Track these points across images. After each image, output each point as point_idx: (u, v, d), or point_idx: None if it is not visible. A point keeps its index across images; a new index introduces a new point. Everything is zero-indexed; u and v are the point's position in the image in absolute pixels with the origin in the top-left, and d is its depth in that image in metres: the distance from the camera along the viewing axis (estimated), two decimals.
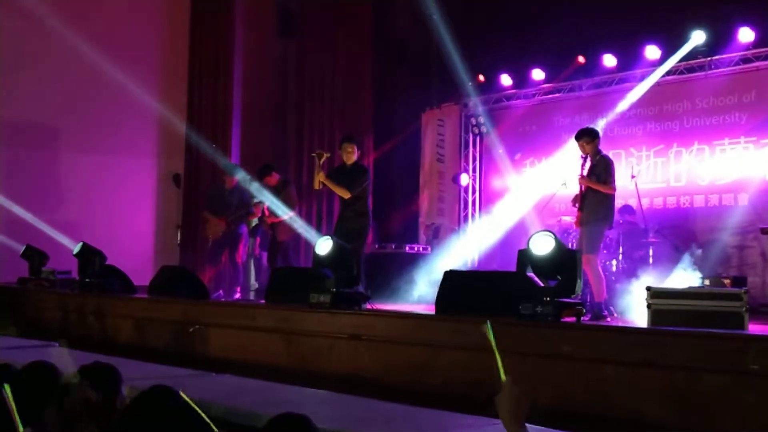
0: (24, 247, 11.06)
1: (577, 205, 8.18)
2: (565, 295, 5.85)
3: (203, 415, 2.40)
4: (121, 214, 13.64)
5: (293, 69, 14.88)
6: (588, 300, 7.92)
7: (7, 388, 2.65)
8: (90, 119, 13.33)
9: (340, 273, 7.09)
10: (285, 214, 10.03)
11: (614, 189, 8.04)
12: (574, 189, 8.31)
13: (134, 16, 13.61)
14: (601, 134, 8.47)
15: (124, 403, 3.31)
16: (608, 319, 7.63)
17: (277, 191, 10.21)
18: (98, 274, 9.78)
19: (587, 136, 8.26)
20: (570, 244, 9.72)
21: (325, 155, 8.80)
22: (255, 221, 10.95)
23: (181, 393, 2.50)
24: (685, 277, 9.09)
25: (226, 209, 10.60)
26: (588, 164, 8.18)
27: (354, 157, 8.74)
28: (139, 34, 13.47)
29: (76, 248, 10.12)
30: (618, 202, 9.72)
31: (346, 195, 8.59)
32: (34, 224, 12.52)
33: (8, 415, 2.67)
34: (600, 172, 8.06)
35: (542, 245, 5.93)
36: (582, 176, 8.16)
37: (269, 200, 10.09)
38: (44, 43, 12.89)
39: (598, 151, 8.22)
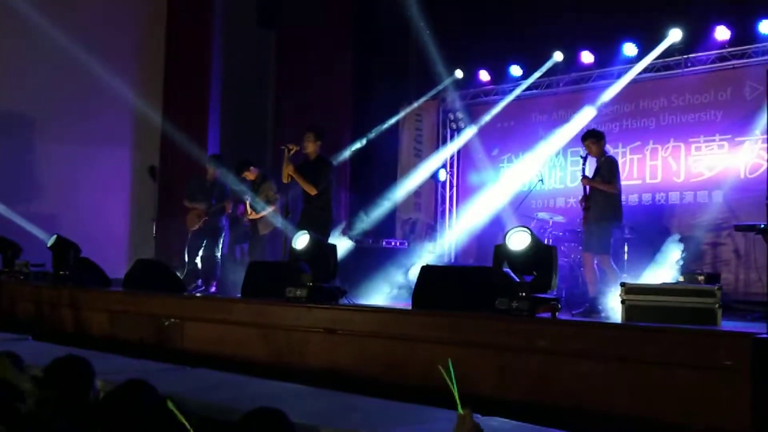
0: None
1: (584, 204, 8.30)
2: (541, 290, 5.88)
3: (183, 419, 2.38)
4: (96, 206, 13.53)
5: (271, 61, 14.82)
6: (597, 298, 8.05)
7: None
8: (65, 110, 13.20)
9: (317, 267, 7.08)
10: (264, 209, 10.00)
11: (618, 189, 8.20)
12: (550, 185, 8.43)
13: (111, 6, 13.49)
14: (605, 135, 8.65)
15: (97, 397, 3.29)
16: (602, 316, 7.75)
17: (256, 186, 10.17)
18: (73, 266, 9.69)
19: (593, 137, 8.46)
20: (546, 240, 9.78)
21: (294, 148, 8.74)
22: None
23: (169, 402, 2.47)
24: (659, 273, 9.18)
25: (206, 201, 10.56)
26: (588, 164, 8.33)
27: (313, 147, 8.72)
28: (115, 24, 13.34)
29: (50, 240, 10.02)
30: None
31: (312, 191, 8.60)
32: (6, 215, 12.39)
33: None
34: (604, 172, 8.23)
35: (518, 241, 5.95)
36: (584, 177, 8.29)
37: (250, 196, 10.07)
38: (19, 33, 12.75)
39: (604, 152, 8.42)
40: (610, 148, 8.62)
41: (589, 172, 8.55)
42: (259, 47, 14.88)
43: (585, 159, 8.45)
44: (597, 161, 8.41)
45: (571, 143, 11.46)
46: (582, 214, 8.56)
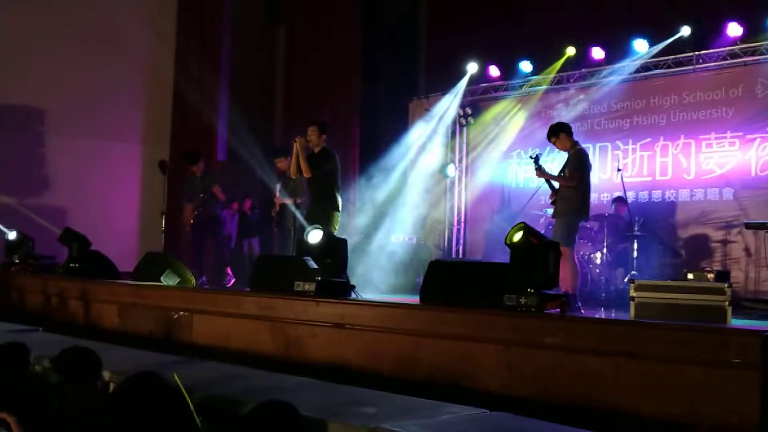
0: (12, 232, 10.96)
1: (552, 199, 8.21)
2: (547, 286, 5.87)
3: (188, 400, 2.40)
4: (106, 199, 13.59)
5: (281, 56, 14.83)
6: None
7: None
8: (76, 104, 13.24)
9: (326, 262, 7.09)
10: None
11: (576, 181, 7.96)
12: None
13: (122, 1, 13.52)
14: (570, 126, 8.41)
15: (104, 387, 3.30)
16: (582, 312, 7.67)
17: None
18: (82, 259, 9.74)
19: (553, 135, 8.25)
20: None
21: (302, 141, 8.74)
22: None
23: (175, 376, 2.49)
24: (668, 270, 9.15)
25: (196, 196, 10.64)
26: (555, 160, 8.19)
27: (316, 140, 8.73)
28: (126, 20, 13.36)
29: (61, 233, 10.07)
30: (604, 196, 9.75)
31: (307, 174, 8.61)
32: (18, 208, 12.45)
33: None
34: (571, 165, 8.05)
35: (515, 236, 5.96)
36: (539, 169, 8.13)
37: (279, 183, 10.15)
38: (31, 28, 12.80)
39: (573, 144, 8.19)
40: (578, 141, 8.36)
41: (559, 166, 8.42)
42: (268, 44, 14.90)
43: (536, 159, 8.26)
44: (568, 154, 8.24)
45: (581, 139, 11.36)
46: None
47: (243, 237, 11.99)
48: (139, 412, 2.55)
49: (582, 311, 7.46)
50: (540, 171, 8.15)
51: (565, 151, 8.24)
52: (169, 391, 2.55)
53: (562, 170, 8.18)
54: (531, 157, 8.36)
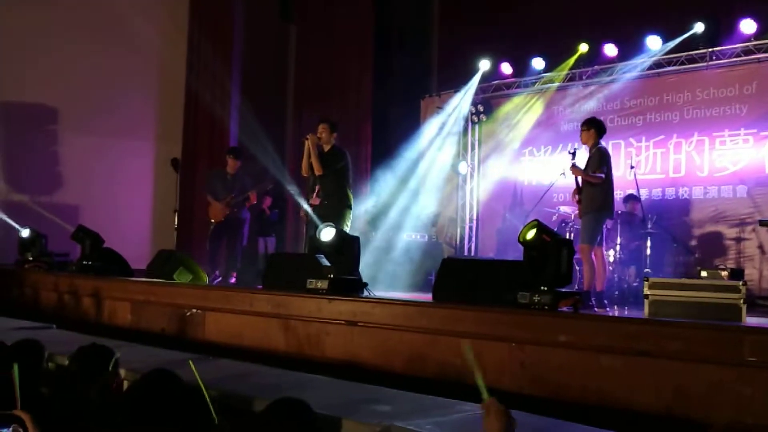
0: (26, 229, 11.01)
1: (576, 198, 8.23)
2: (560, 284, 5.85)
3: (205, 393, 2.40)
4: (119, 197, 13.63)
5: (293, 54, 14.85)
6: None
7: (15, 368, 2.65)
8: (89, 102, 13.29)
9: (339, 259, 7.09)
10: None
11: (602, 178, 8.00)
12: (572, 179, 8.34)
13: (134, 0, 13.56)
14: (603, 126, 8.48)
15: (120, 385, 3.31)
16: (595, 310, 7.66)
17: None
18: (95, 256, 9.77)
19: (586, 126, 8.31)
20: (568, 234, 9.74)
21: (314, 138, 8.74)
22: None
23: (190, 363, 2.49)
24: (682, 268, 9.10)
25: (227, 194, 10.63)
26: (577, 158, 8.22)
27: (326, 137, 8.71)
28: (138, 18, 13.39)
29: (74, 231, 10.11)
30: (617, 193, 9.73)
31: (319, 172, 8.61)
32: (31, 206, 12.50)
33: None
34: (593, 162, 8.11)
35: (528, 234, 5.95)
36: (573, 166, 8.18)
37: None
38: (43, 24, 12.84)
39: (596, 143, 8.24)
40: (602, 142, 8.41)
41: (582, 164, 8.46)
42: (280, 42, 14.91)
43: (573, 154, 8.32)
44: (588, 151, 8.29)
45: None
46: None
47: (260, 235, 12.00)
48: (155, 410, 2.55)
49: (595, 309, 7.46)
50: (574, 168, 8.18)
51: (586, 145, 8.29)
52: (184, 389, 2.56)
53: (584, 168, 8.21)
54: (570, 152, 8.38)
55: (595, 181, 8.05)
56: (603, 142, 8.34)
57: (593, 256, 8.09)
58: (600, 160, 8.09)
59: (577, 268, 8.54)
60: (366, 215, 12.20)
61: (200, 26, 14.16)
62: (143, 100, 14.00)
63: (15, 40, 12.88)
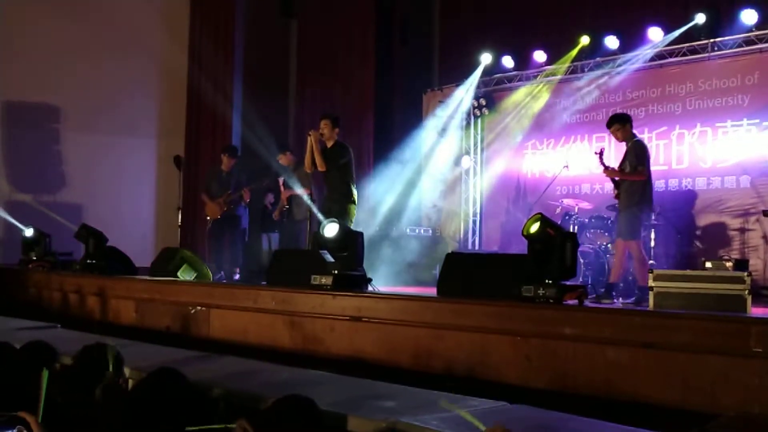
0: (29, 229, 11.01)
1: (615, 192, 8.25)
2: (565, 277, 5.85)
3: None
4: (122, 195, 13.65)
5: (294, 49, 14.83)
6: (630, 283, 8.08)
7: (44, 374, 2.64)
8: (91, 100, 13.30)
9: (343, 255, 7.08)
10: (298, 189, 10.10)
11: (645, 175, 8.04)
12: (575, 171, 8.38)
13: None
14: (631, 118, 8.52)
15: (125, 384, 3.31)
16: (629, 301, 7.71)
17: (291, 170, 10.34)
18: (99, 255, 9.77)
19: (617, 123, 8.32)
20: (572, 227, 9.74)
21: (317, 134, 8.73)
22: None
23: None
24: (686, 259, 9.09)
25: (223, 191, 10.64)
26: (606, 157, 8.24)
27: (328, 133, 8.68)
28: (139, 14, 13.40)
29: (77, 230, 10.11)
30: None
31: (322, 168, 8.60)
32: (34, 205, 12.51)
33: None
34: (632, 157, 8.09)
35: (531, 227, 5.95)
36: (606, 169, 8.19)
37: (286, 175, 10.25)
38: (45, 22, 12.84)
39: (632, 135, 8.28)
40: (636, 133, 8.48)
41: (617, 159, 8.47)
42: (281, 37, 14.90)
43: (601, 154, 8.32)
44: (625, 145, 8.31)
45: (596, 128, 11.39)
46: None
47: (263, 231, 12.00)
48: (160, 409, 2.55)
49: (615, 302, 7.54)
50: (609, 171, 8.19)
51: (623, 141, 8.31)
52: (190, 388, 2.55)
53: (622, 162, 8.22)
54: (596, 153, 8.39)
55: (638, 178, 8.04)
56: (636, 134, 8.35)
57: (628, 250, 8.11)
58: (640, 154, 8.09)
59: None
60: (369, 210, 12.19)
61: (201, 23, 14.16)
62: (145, 98, 14.00)
63: (18, 40, 12.88)
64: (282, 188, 10.45)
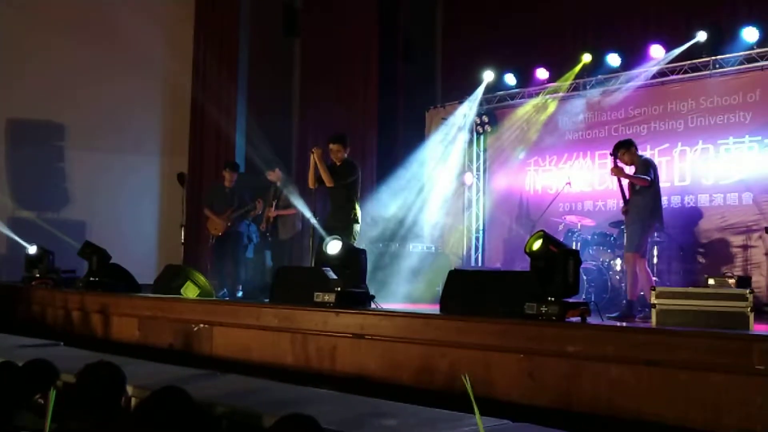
0: (33, 246, 11.03)
1: (624, 209, 8.33)
2: (567, 294, 5.86)
3: None
4: (125, 212, 13.68)
5: (298, 67, 14.89)
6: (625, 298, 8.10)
7: (52, 393, 2.65)
8: (95, 118, 13.36)
9: (346, 272, 7.09)
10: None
11: (644, 180, 8.10)
12: (578, 188, 8.43)
13: (138, 14, 13.62)
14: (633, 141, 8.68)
15: (128, 402, 3.32)
16: (636, 318, 7.70)
17: (279, 189, 10.42)
18: (102, 272, 9.78)
19: (622, 148, 8.42)
20: (574, 244, 9.74)
21: (320, 151, 8.77)
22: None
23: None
24: (689, 276, 9.08)
25: (227, 207, 10.67)
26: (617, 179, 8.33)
27: (341, 156, 8.74)
28: (143, 32, 13.47)
29: (81, 247, 10.13)
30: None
31: (330, 183, 8.62)
32: (38, 223, 12.54)
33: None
34: (640, 172, 8.21)
35: (534, 245, 5.96)
36: (615, 167, 8.26)
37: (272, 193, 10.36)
38: (48, 40, 12.92)
39: (638, 156, 8.38)
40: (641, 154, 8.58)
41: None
42: (285, 56, 14.96)
43: (615, 155, 8.43)
44: (635, 168, 8.41)
45: (598, 146, 11.41)
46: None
47: (266, 248, 12.01)
48: (165, 427, 2.56)
49: (637, 319, 7.53)
50: (616, 168, 8.27)
51: (631, 165, 8.39)
52: (194, 406, 2.56)
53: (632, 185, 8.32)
54: (611, 154, 8.47)
55: (640, 183, 8.12)
56: (641, 153, 8.46)
57: (625, 264, 8.18)
58: (646, 167, 8.20)
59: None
60: (372, 227, 12.20)
61: (205, 41, 14.24)
62: (149, 116, 14.07)
63: (22, 58, 12.95)
64: (272, 209, 10.52)
